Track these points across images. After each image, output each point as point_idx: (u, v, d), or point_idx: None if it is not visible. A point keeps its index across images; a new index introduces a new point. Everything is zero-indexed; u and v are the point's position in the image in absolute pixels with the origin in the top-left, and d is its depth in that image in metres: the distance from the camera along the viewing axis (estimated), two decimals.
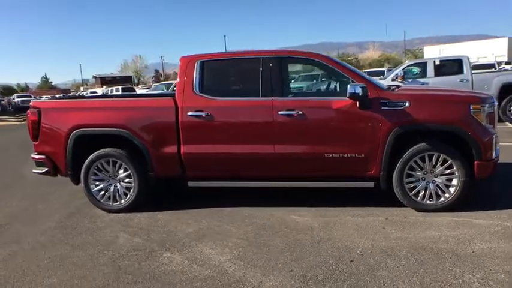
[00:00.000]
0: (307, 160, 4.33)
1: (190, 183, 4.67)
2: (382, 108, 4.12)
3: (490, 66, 20.85)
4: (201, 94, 4.47)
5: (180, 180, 4.71)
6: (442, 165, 4.13)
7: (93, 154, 4.65)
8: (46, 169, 4.83)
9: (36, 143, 4.82)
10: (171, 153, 4.50)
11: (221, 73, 4.73)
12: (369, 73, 19.41)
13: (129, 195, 4.67)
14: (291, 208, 4.51)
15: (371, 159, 4.21)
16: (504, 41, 53.55)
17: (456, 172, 4.10)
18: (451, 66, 10.23)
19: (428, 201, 4.21)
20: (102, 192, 4.73)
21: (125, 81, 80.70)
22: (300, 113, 4.24)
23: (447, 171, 4.13)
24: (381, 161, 4.18)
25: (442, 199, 4.19)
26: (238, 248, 3.57)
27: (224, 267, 3.23)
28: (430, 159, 4.14)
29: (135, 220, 4.45)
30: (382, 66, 47.03)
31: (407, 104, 4.09)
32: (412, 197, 4.22)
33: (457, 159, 4.07)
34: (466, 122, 4.03)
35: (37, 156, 4.84)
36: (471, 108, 4.06)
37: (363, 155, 4.21)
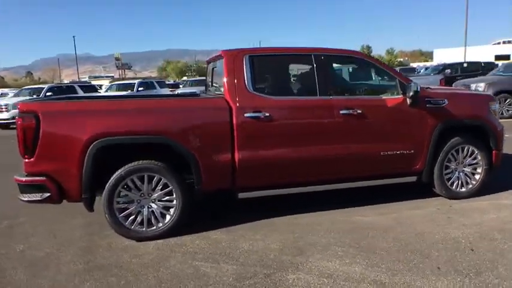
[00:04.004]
0: (364, 159, 4.31)
1: (241, 195, 4.11)
2: (427, 105, 4.41)
3: None
4: (255, 93, 3.99)
5: (228, 192, 4.10)
6: (470, 156, 4.65)
7: (122, 169, 3.65)
8: (47, 194, 3.57)
9: (31, 159, 3.53)
10: (225, 162, 3.89)
11: (272, 69, 4.30)
12: None
13: (169, 217, 3.82)
14: (344, 210, 4.42)
15: (418, 155, 4.45)
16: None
17: (480, 161, 4.67)
18: None
19: (461, 189, 4.67)
20: (132, 217, 3.75)
21: None
22: (359, 111, 4.19)
23: (474, 161, 4.67)
24: (426, 155, 4.46)
25: (470, 186, 4.71)
26: (355, 256, 3.32)
27: (372, 277, 2.97)
28: (462, 151, 4.62)
29: (189, 245, 3.67)
30: None
31: (446, 102, 4.47)
32: (449, 186, 4.63)
33: (482, 150, 4.65)
34: (489, 117, 4.65)
35: (32, 178, 3.53)
36: (489, 104, 4.71)
37: (412, 151, 4.42)
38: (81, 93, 17.32)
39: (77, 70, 60.57)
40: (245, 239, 3.76)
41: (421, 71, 23.84)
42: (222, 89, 4.05)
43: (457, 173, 4.66)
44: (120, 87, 19.43)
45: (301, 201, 4.67)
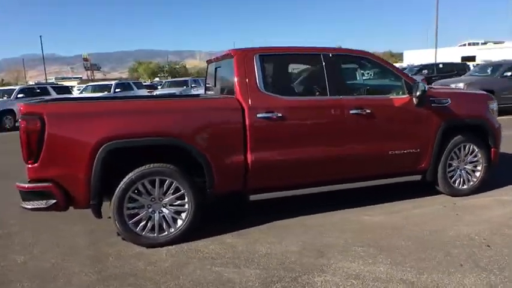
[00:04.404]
0: (373, 159, 4.32)
1: (253, 197, 4.02)
2: (432, 105, 4.47)
3: None
4: (267, 93, 3.92)
5: (239, 194, 4.01)
6: (471, 154, 4.76)
7: (132, 173, 3.49)
8: (53, 201, 3.37)
9: (35, 165, 3.31)
10: (237, 163, 3.79)
11: (282, 69, 4.25)
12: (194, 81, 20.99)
13: (180, 221, 3.69)
14: (351, 210, 4.41)
15: (423, 153, 4.50)
16: None
17: (480, 159, 4.78)
18: None
19: (463, 187, 4.77)
20: (143, 223, 3.60)
21: None
22: (368, 111, 4.20)
23: (474, 159, 4.78)
24: (431, 154, 4.52)
25: (471, 183, 4.81)
26: (377, 256, 3.30)
27: (399, 276, 2.96)
28: (464, 149, 4.71)
29: (204, 250, 3.55)
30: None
31: (449, 101, 4.55)
32: (452, 184, 4.71)
33: (482, 148, 4.76)
34: (488, 116, 4.77)
35: (37, 185, 3.32)
36: (488, 103, 4.83)
37: (418, 150, 4.47)
38: (54, 94, 16.68)
39: (44, 71, 58.18)
40: (261, 242, 3.67)
41: None
42: (218, 90, 3.95)
43: (458, 170, 4.75)
44: (96, 89, 18.85)
45: (308, 202, 4.62)
